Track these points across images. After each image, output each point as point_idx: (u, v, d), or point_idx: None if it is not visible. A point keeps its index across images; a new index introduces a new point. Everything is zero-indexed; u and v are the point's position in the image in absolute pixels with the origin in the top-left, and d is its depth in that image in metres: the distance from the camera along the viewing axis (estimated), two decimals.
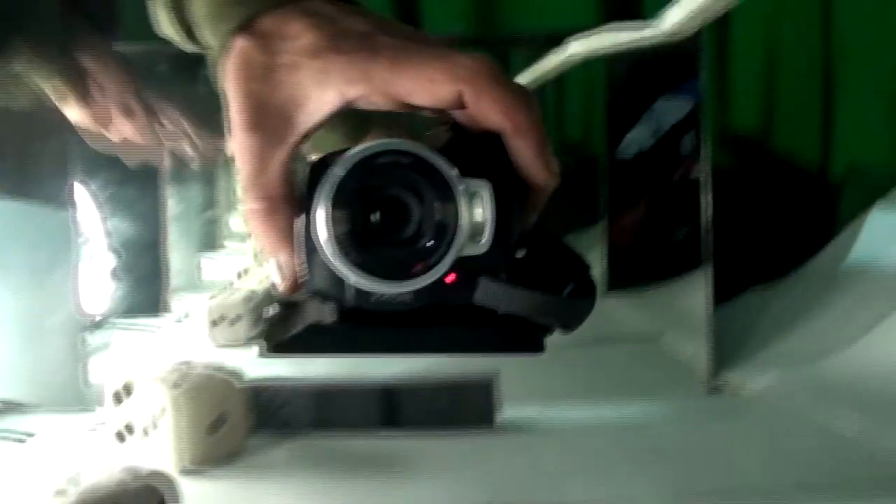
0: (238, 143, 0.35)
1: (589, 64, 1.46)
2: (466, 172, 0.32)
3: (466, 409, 0.76)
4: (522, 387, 0.89)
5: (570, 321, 0.34)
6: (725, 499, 0.60)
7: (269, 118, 0.34)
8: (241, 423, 0.70)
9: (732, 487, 0.62)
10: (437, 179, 0.31)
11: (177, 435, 0.64)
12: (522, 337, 0.34)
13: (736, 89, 1.13)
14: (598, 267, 1.36)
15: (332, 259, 0.31)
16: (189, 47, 0.40)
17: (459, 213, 0.31)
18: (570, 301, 0.34)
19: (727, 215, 1.06)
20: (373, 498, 0.63)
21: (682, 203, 1.07)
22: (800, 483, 0.62)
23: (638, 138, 1.47)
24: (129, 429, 0.66)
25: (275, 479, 0.67)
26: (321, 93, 0.34)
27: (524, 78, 1.21)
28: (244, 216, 0.37)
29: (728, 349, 0.96)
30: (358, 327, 0.33)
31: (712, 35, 1.12)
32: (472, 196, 0.32)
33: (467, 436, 0.74)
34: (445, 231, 0.31)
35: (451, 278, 0.32)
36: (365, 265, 0.31)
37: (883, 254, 0.97)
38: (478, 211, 0.32)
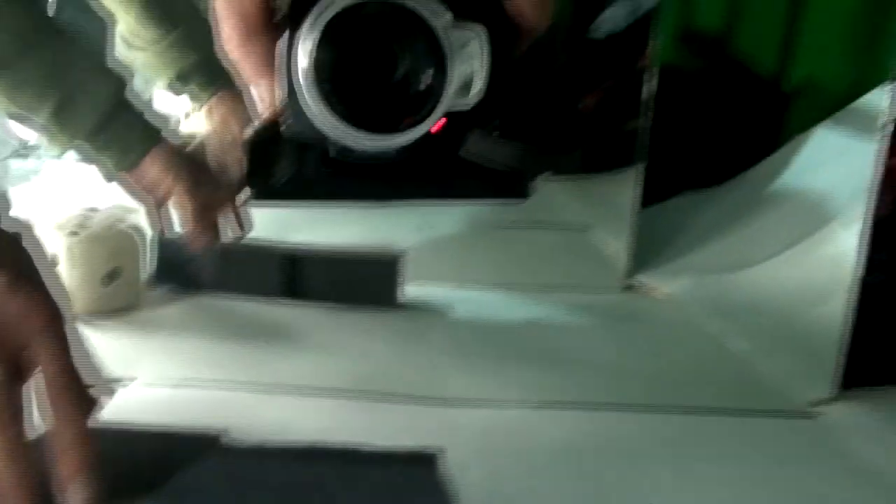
0: None
1: None
2: (459, 14, 0.30)
3: (371, 284, 0.77)
4: (439, 267, 0.90)
5: (559, 170, 0.34)
6: (589, 408, 0.62)
7: None
8: (137, 278, 0.70)
9: (608, 397, 0.63)
10: (428, 27, 0.29)
11: (69, 283, 0.64)
12: (507, 184, 0.33)
13: None
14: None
15: (315, 111, 0.30)
16: None
17: (447, 65, 0.29)
18: (558, 155, 0.33)
19: (678, 113, 1.05)
20: (258, 364, 0.64)
21: (639, 94, 1.05)
22: (679, 397, 0.64)
23: (612, 18, 1.44)
24: None
25: (166, 336, 0.67)
26: None
27: None
28: (222, 42, 0.34)
29: (651, 250, 0.96)
30: (341, 176, 0.32)
31: None
32: (464, 45, 0.30)
33: (368, 312, 0.75)
34: (435, 82, 0.30)
35: (438, 126, 0.30)
36: (349, 118, 0.29)
37: (816, 175, 0.96)
38: (470, 62, 0.30)
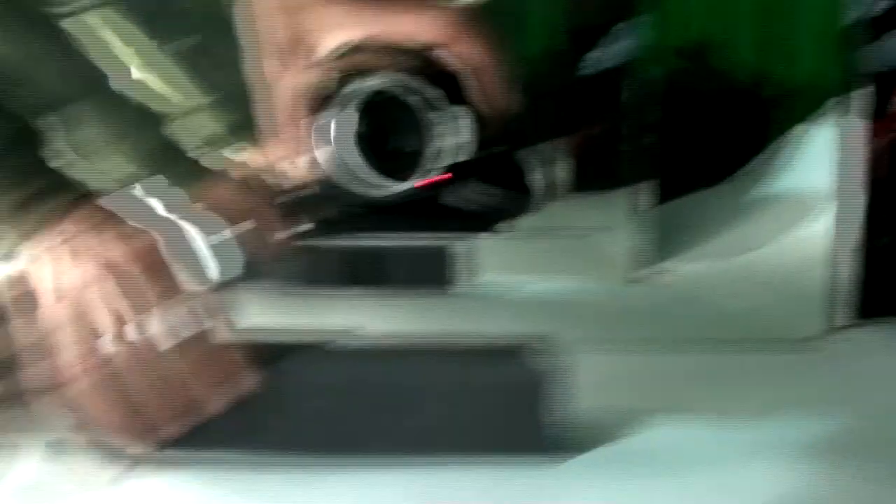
0: (267, 65, 0.45)
1: None
2: (454, 100, 0.43)
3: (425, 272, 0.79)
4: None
5: (518, 213, 0.47)
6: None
7: (283, 48, 0.45)
8: None
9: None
10: (431, 106, 0.43)
11: None
12: (482, 223, 0.46)
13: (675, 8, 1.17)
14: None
15: (352, 163, 0.43)
16: None
17: (445, 132, 0.43)
18: (518, 197, 0.46)
19: (669, 125, 1.11)
20: None
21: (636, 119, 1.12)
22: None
23: (603, 57, 1.52)
24: None
25: None
26: (334, 31, 0.44)
27: None
28: (270, 121, 0.47)
29: (649, 252, 1.02)
30: (370, 213, 0.44)
31: None
32: (455, 119, 0.43)
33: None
34: (436, 145, 0.43)
35: (439, 178, 0.43)
36: (378, 167, 0.43)
37: (805, 168, 1.03)
38: (459, 131, 0.43)
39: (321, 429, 0.45)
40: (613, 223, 1.07)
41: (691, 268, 0.95)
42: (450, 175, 0.43)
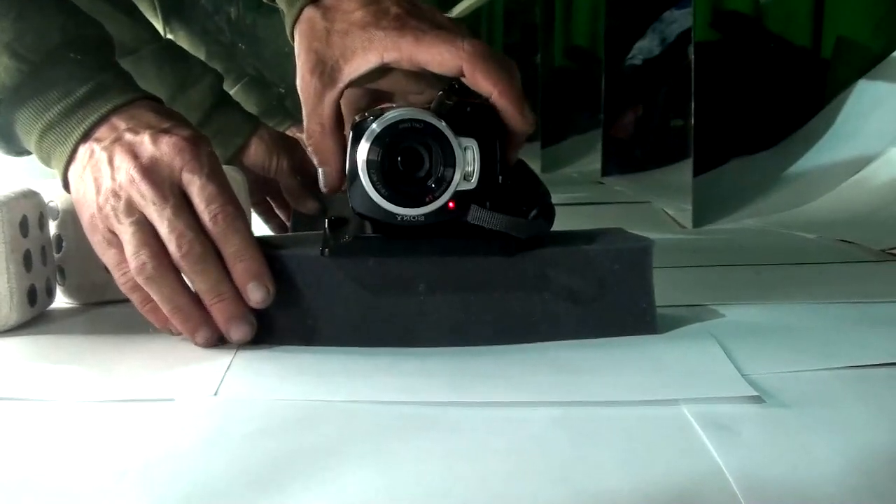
0: (303, 83, 0.48)
1: None
2: (461, 132, 0.45)
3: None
4: None
5: (534, 235, 0.47)
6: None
7: (325, 67, 0.48)
8: None
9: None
10: (441, 139, 0.45)
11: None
12: (499, 245, 0.47)
13: None
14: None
15: (368, 192, 0.45)
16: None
17: (455, 163, 0.45)
18: (534, 222, 0.47)
19: (723, 89, 1.11)
20: None
21: (679, 99, 1.12)
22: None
23: (646, 47, 1.53)
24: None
25: None
26: (365, 54, 0.47)
27: None
28: (305, 136, 0.49)
29: (711, 208, 1.01)
30: (388, 238, 0.47)
31: None
32: (464, 150, 0.45)
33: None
34: (446, 174, 0.45)
35: (451, 205, 0.45)
36: (391, 197, 0.45)
37: (862, 123, 1.02)
38: (469, 161, 0.45)
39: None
40: (670, 193, 1.08)
41: (753, 222, 0.94)
42: (453, 204, 0.45)
